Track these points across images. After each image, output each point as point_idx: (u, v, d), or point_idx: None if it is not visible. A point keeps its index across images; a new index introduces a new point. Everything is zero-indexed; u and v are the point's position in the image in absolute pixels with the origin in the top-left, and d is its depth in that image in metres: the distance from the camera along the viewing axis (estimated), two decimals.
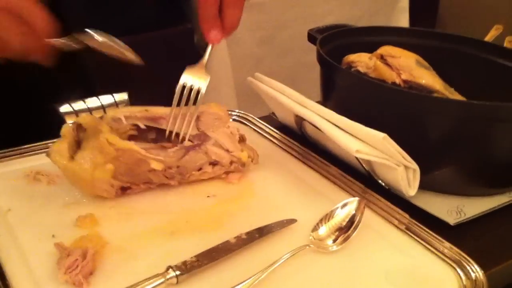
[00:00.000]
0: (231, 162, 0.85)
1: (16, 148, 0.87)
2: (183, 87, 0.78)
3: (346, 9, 2.31)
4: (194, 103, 0.79)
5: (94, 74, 1.16)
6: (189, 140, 0.81)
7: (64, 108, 0.93)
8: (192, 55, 0.94)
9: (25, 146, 0.88)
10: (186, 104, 0.79)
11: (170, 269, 0.63)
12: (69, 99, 0.97)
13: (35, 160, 0.86)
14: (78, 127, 0.78)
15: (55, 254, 0.66)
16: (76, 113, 0.91)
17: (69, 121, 0.89)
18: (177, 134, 0.81)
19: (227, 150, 0.84)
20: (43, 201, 0.77)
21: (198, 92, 0.79)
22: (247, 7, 2.29)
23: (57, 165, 0.76)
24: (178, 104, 0.78)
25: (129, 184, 0.79)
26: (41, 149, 0.88)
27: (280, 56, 2.24)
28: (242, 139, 0.87)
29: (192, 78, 0.79)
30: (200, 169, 0.83)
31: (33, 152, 0.88)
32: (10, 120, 1.00)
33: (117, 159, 0.76)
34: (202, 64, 0.80)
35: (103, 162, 0.75)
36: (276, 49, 2.23)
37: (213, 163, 0.84)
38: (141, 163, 0.77)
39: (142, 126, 0.80)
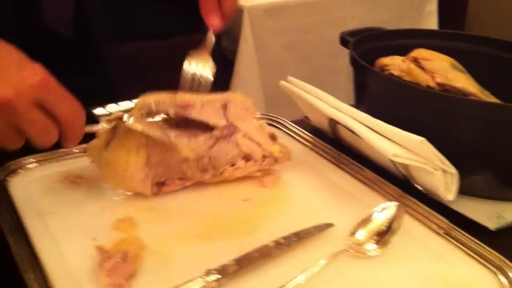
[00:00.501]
0: (264, 157, 0.85)
1: (54, 152, 0.88)
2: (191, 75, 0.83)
3: (372, 14, 2.31)
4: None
5: (119, 78, 1.17)
6: (217, 130, 0.82)
7: (99, 111, 0.94)
8: (219, 59, 0.95)
9: (64, 150, 0.89)
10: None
11: (211, 273, 0.63)
12: (102, 103, 0.98)
13: (73, 164, 0.87)
14: (114, 128, 0.78)
15: (95, 256, 0.67)
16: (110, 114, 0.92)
17: (104, 124, 0.90)
18: (206, 125, 0.82)
19: (258, 143, 0.84)
20: (82, 204, 0.78)
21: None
22: (274, 11, 2.31)
23: (92, 158, 0.77)
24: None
25: (164, 178, 0.80)
26: (79, 153, 0.89)
27: (305, 60, 2.25)
28: (273, 137, 0.87)
29: (196, 66, 0.81)
30: (233, 164, 0.83)
31: (72, 156, 0.89)
32: None
33: (150, 147, 0.76)
34: (207, 50, 0.83)
35: (135, 147, 0.76)
36: (301, 53, 2.23)
37: (246, 158, 0.84)
38: (173, 153, 0.78)
39: (172, 115, 0.79)
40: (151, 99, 0.77)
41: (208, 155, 0.81)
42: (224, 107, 0.83)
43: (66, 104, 0.65)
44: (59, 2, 1.03)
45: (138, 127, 0.74)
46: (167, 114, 0.78)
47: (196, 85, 0.84)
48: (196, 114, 0.80)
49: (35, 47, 0.99)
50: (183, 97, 0.80)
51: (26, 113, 0.61)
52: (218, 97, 0.83)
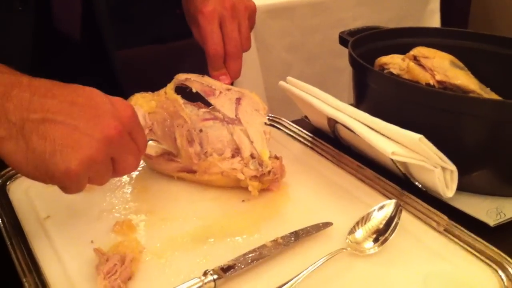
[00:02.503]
0: (252, 157, 0.82)
1: None
2: None
3: (375, 13, 2.30)
4: None
5: (124, 80, 1.19)
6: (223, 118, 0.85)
7: None
8: None
9: None
10: None
11: (208, 273, 0.63)
12: None
13: None
14: None
15: (93, 259, 0.67)
16: None
17: None
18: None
19: (252, 142, 0.83)
20: (81, 207, 0.78)
21: None
22: (277, 13, 2.29)
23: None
24: None
25: (155, 138, 0.85)
26: None
27: (309, 61, 2.23)
28: (276, 157, 0.84)
29: None
30: (221, 154, 0.82)
31: None
32: None
33: (162, 106, 0.84)
34: None
35: (152, 98, 0.85)
36: (305, 54, 2.22)
37: (234, 153, 0.83)
38: (175, 117, 0.83)
39: (194, 91, 0.86)
40: (184, 75, 0.86)
41: (199, 127, 0.82)
42: (238, 101, 0.85)
43: (142, 133, 0.69)
44: (68, 6, 1.05)
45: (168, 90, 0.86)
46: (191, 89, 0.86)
47: None
48: (212, 100, 0.85)
49: (45, 49, 1.01)
50: (208, 80, 0.87)
51: (127, 142, 0.65)
52: (236, 90, 0.86)
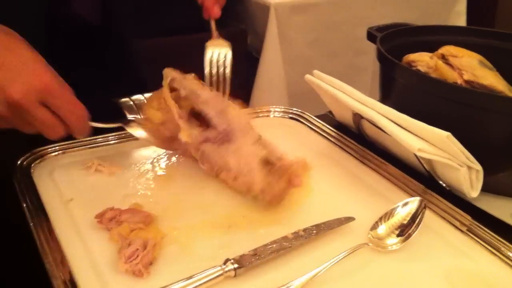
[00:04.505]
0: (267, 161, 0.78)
1: (78, 140, 0.89)
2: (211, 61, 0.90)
3: (401, 13, 2.29)
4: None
5: (144, 70, 1.19)
6: (212, 132, 0.81)
7: (124, 101, 0.94)
8: (244, 55, 0.96)
9: (87, 139, 0.90)
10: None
11: (229, 262, 0.63)
12: (127, 94, 0.99)
13: (97, 152, 0.89)
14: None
15: (116, 243, 0.67)
16: (136, 105, 0.92)
17: (129, 114, 0.91)
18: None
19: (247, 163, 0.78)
20: (103, 191, 0.79)
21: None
22: (301, 8, 2.29)
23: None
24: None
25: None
26: (102, 142, 0.91)
27: (331, 58, 2.23)
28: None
29: (216, 48, 0.90)
30: (228, 171, 0.80)
31: (95, 145, 0.90)
32: None
33: (167, 112, 0.81)
34: (218, 36, 0.93)
35: (156, 108, 0.83)
36: (327, 50, 2.22)
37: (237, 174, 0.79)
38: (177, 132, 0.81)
39: (182, 94, 0.82)
40: (171, 73, 0.84)
41: (201, 149, 0.81)
42: (223, 111, 0.82)
43: (69, 106, 0.72)
44: None
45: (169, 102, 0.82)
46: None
47: (217, 81, 0.91)
48: (203, 106, 0.82)
49: (60, 35, 1.01)
50: (192, 83, 0.83)
51: (33, 111, 0.69)
52: (221, 99, 0.84)
